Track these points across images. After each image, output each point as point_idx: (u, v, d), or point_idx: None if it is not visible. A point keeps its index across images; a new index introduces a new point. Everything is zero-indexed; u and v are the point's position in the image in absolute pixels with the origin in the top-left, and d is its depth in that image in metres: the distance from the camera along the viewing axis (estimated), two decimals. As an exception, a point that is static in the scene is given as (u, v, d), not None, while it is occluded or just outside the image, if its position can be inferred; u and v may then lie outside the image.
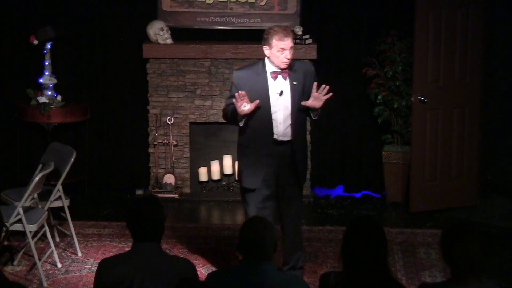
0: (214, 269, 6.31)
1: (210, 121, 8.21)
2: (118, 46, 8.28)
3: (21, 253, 6.64)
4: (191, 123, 8.23)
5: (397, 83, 7.98)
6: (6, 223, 6.08)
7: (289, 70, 5.79)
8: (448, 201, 7.87)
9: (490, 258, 3.73)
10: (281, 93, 5.76)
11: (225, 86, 8.12)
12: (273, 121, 5.78)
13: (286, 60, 5.72)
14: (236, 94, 5.63)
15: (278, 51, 5.69)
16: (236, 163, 8.23)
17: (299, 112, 5.81)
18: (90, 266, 6.51)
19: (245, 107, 5.64)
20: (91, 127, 8.33)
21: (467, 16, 7.72)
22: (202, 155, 8.35)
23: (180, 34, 8.23)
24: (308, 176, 8.19)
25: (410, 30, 7.69)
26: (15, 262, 6.58)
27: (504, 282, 6.12)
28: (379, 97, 8.02)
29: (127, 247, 6.80)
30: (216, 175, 8.28)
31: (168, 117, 8.15)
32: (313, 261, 6.69)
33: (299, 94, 5.77)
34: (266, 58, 5.80)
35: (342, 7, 8.20)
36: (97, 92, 8.35)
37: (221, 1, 8.18)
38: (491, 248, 6.77)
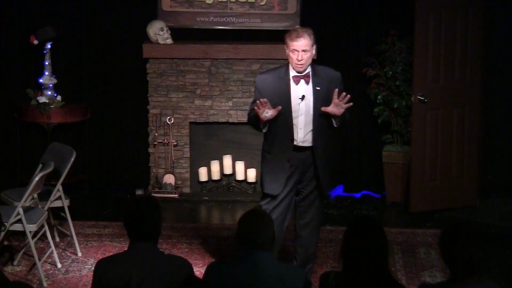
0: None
1: (210, 121, 8.21)
2: (118, 46, 8.28)
3: (21, 253, 6.64)
4: (191, 123, 8.23)
5: (397, 83, 7.99)
6: (6, 223, 6.08)
7: (313, 75, 5.68)
8: (448, 201, 7.87)
9: (490, 258, 3.72)
10: (302, 98, 5.63)
11: (225, 86, 8.13)
12: (294, 126, 5.65)
13: (298, 62, 5.58)
14: (258, 101, 5.51)
15: (291, 52, 5.59)
16: (237, 163, 8.26)
17: (321, 118, 5.65)
18: (90, 266, 6.50)
19: (267, 113, 5.53)
20: (91, 127, 8.33)
21: (467, 16, 7.72)
22: (202, 155, 8.35)
23: (180, 34, 8.23)
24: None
25: (410, 30, 7.69)
26: (15, 262, 6.58)
27: (504, 282, 6.12)
28: (379, 97, 8.02)
29: (127, 247, 6.79)
30: (216, 175, 8.28)
31: (168, 117, 8.15)
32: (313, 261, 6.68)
33: (323, 99, 5.63)
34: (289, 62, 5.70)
35: (342, 7, 8.20)
36: (97, 92, 8.36)
37: (221, 1, 8.18)
38: (491, 248, 6.76)
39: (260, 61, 8.09)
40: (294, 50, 5.57)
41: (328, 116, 5.64)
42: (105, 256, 4.40)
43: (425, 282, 5.95)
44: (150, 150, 8.27)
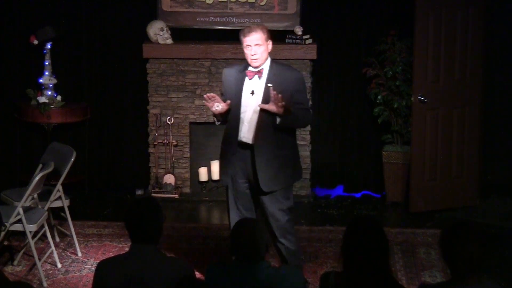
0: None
1: (210, 121, 8.18)
2: (118, 46, 8.28)
3: (21, 253, 6.64)
4: (191, 123, 8.23)
5: (397, 83, 7.98)
6: (6, 223, 6.08)
7: (269, 71, 5.68)
8: (448, 201, 7.87)
9: (490, 258, 3.72)
10: (252, 93, 5.67)
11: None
12: (240, 121, 5.68)
13: (251, 57, 5.62)
14: (205, 95, 5.63)
15: (245, 48, 5.64)
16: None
17: (267, 116, 5.58)
18: (90, 266, 6.51)
19: (218, 107, 5.62)
20: (91, 127, 8.33)
21: (467, 16, 7.71)
22: (202, 155, 8.35)
23: (180, 34, 8.23)
24: (308, 176, 8.21)
25: (410, 30, 7.69)
26: (15, 262, 6.58)
27: (504, 282, 6.12)
28: (379, 97, 8.02)
29: (127, 247, 6.78)
30: (216, 175, 8.28)
31: (168, 117, 8.15)
32: (313, 261, 6.69)
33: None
34: None
35: (342, 7, 8.20)
36: (97, 92, 8.36)
37: (221, 1, 8.18)
38: (491, 248, 6.73)
39: (260, 61, 8.08)
40: (247, 45, 5.62)
41: (274, 115, 5.58)
42: (106, 257, 4.40)
43: (425, 282, 5.95)
44: (150, 150, 8.27)
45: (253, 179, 5.72)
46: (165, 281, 4.08)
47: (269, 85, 5.58)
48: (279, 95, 5.44)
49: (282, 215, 5.77)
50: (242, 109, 5.67)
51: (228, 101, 5.63)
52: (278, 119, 5.58)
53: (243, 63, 5.85)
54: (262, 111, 5.59)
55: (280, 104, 5.45)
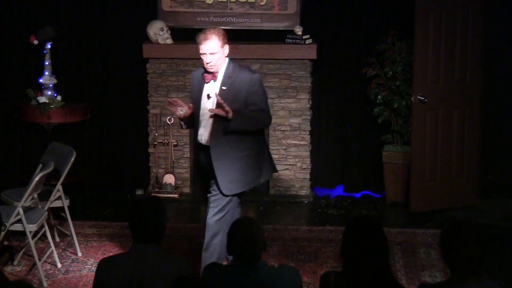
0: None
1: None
2: (118, 46, 8.28)
3: (21, 253, 6.64)
4: (191, 123, 8.22)
5: (397, 83, 7.98)
6: (6, 223, 6.08)
7: (224, 74, 5.70)
8: (448, 201, 7.87)
9: (490, 258, 3.73)
10: (208, 96, 5.70)
11: (225, 86, 8.12)
12: (199, 124, 5.76)
13: (208, 65, 5.64)
14: (168, 100, 5.67)
15: (200, 54, 5.68)
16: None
17: (222, 119, 5.63)
18: (90, 266, 6.51)
19: (182, 111, 5.67)
20: (91, 127, 8.33)
21: (467, 16, 7.71)
22: (202, 155, 8.34)
23: (180, 34, 8.23)
24: (308, 176, 8.21)
25: (410, 30, 7.69)
26: (15, 262, 6.58)
27: (504, 282, 6.12)
28: (379, 97, 8.01)
29: (127, 247, 6.79)
30: (216, 175, 8.28)
31: (168, 117, 8.15)
32: (313, 261, 6.69)
33: (229, 100, 5.58)
34: None
35: (342, 7, 8.20)
36: (97, 92, 8.36)
37: (221, 1, 8.18)
38: (491, 248, 6.75)
39: (260, 61, 8.10)
40: (203, 53, 5.64)
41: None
42: (107, 256, 4.40)
43: (425, 282, 5.94)
44: (150, 150, 8.27)
45: (215, 181, 5.79)
46: (166, 281, 4.07)
47: (223, 87, 5.64)
48: (221, 101, 5.49)
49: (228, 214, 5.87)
50: (201, 112, 5.75)
51: (190, 105, 5.70)
52: (228, 123, 5.62)
53: None
54: (215, 114, 5.65)
55: (226, 109, 5.50)
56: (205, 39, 5.63)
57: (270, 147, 8.17)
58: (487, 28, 7.93)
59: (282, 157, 8.18)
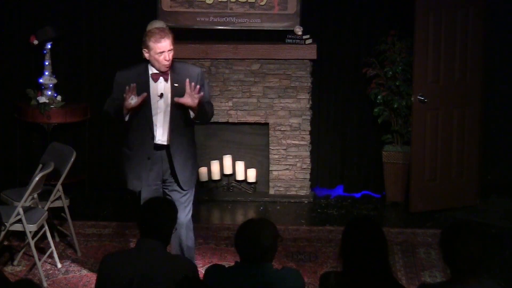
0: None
1: (210, 121, 8.19)
2: (118, 46, 8.27)
3: (21, 253, 6.64)
4: (191, 123, 8.22)
5: (397, 83, 7.98)
6: (6, 223, 6.08)
7: (172, 72, 5.69)
8: (448, 201, 7.87)
9: (490, 258, 3.73)
10: (161, 96, 5.67)
11: (225, 86, 8.12)
12: (153, 125, 5.69)
13: (166, 63, 5.63)
14: (128, 86, 5.51)
15: (157, 54, 5.63)
16: (237, 163, 8.26)
17: (179, 116, 5.67)
18: (90, 266, 6.51)
19: (133, 100, 5.57)
20: (91, 127, 8.33)
21: (467, 16, 7.72)
22: (202, 155, 8.33)
23: (180, 34, 8.21)
24: (308, 176, 8.21)
25: (410, 30, 7.69)
26: (15, 262, 6.58)
27: (504, 282, 6.12)
28: (379, 97, 8.01)
29: (127, 247, 6.81)
30: (216, 175, 8.28)
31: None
32: (313, 261, 6.69)
33: (182, 96, 5.59)
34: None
35: (342, 7, 8.20)
36: (97, 92, 8.35)
37: (221, 1, 8.18)
38: (491, 248, 6.76)
39: (260, 61, 8.09)
40: (162, 52, 5.61)
41: (186, 112, 5.64)
42: (112, 252, 4.42)
43: (425, 282, 5.94)
44: (150, 150, 8.25)
45: (172, 179, 5.78)
46: (169, 279, 4.08)
47: (175, 85, 5.63)
48: (197, 86, 5.52)
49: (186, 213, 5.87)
50: (153, 112, 5.69)
51: (144, 94, 5.57)
52: (192, 114, 5.63)
53: (136, 65, 5.87)
54: (173, 110, 5.64)
55: (196, 96, 5.52)
56: (163, 37, 5.64)
57: (270, 147, 8.19)
58: (487, 28, 7.93)
59: (282, 157, 8.18)
